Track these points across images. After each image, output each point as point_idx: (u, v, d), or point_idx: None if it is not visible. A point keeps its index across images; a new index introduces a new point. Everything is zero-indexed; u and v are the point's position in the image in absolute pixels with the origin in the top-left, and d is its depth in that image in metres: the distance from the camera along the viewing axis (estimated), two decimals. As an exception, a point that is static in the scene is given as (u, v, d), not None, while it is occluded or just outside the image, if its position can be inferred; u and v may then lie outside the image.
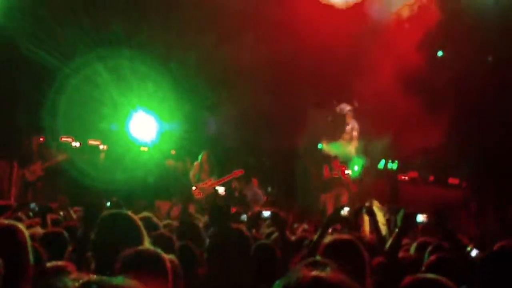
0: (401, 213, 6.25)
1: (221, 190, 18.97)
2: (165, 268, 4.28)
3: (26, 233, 5.23)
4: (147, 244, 5.19)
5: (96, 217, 6.62)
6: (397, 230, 6.30)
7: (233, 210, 17.13)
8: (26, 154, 18.30)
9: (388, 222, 8.03)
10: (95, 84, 20.31)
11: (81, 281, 2.11)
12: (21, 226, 5.29)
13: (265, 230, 11.10)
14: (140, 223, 5.37)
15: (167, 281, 4.23)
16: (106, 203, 17.34)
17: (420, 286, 4.24)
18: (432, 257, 5.95)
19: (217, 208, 7.90)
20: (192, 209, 17.94)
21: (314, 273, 2.13)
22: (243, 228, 5.68)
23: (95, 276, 2.20)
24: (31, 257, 4.91)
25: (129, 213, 5.49)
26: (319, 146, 22.68)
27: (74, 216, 11.12)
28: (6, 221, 5.37)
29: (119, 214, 5.41)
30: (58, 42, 19.44)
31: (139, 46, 19.90)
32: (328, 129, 22.34)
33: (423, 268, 5.95)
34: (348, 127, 21.88)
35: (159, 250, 4.45)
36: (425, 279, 4.33)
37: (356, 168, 21.37)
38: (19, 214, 10.33)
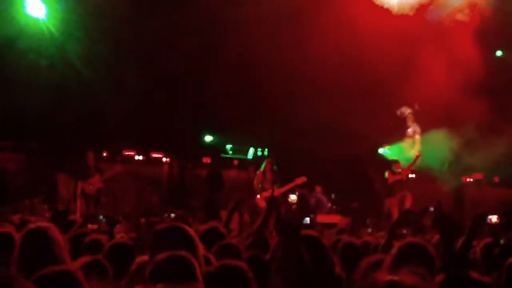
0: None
1: (293, 197, 18.94)
2: (195, 271, 4.36)
3: (57, 232, 5.36)
4: (202, 253, 5.28)
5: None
6: (467, 231, 6.22)
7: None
8: (83, 169, 18.57)
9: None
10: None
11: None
12: (51, 225, 5.45)
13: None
14: (193, 234, 5.41)
15: (197, 283, 4.29)
16: (170, 214, 17.59)
17: None
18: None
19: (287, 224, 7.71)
20: (247, 218, 18.03)
21: (389, 277, 2.10)
22: (316, 234, 5.63)
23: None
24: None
25: (183, 225, 5.53)
26: (381, 150, 22.55)
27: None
28: (37, 223, 5.55)
29: (171, 227, 5.46)
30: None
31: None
32: (389, 133, 22.22)
33: (502, 270, 5.85)
34: (409, 130, 21.73)
35: (187, 254, 4.52)
36: None
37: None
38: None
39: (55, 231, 5.32)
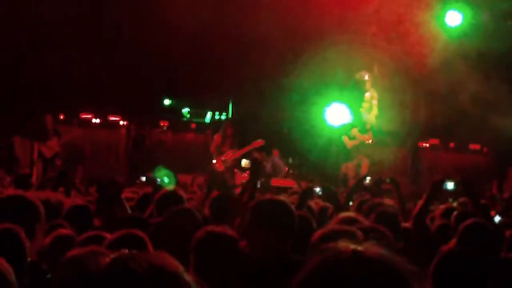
0: None
1: (244, 162, 18.87)
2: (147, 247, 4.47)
3: None
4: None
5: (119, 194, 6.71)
6: (424, 196, 6.30)
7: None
8: (41, 132, 18.38)
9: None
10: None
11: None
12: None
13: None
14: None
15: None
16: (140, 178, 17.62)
17: None
18: (468, 222, 5.89)
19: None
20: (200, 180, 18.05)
21: (353, 246, 2.07)
22: (288, 200, 5.66)
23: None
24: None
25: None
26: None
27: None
28: None
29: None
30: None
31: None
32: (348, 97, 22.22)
33: (457, 234, 5.91)
34: (367, 95, 21.69)
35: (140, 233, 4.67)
36: None
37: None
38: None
39: None
